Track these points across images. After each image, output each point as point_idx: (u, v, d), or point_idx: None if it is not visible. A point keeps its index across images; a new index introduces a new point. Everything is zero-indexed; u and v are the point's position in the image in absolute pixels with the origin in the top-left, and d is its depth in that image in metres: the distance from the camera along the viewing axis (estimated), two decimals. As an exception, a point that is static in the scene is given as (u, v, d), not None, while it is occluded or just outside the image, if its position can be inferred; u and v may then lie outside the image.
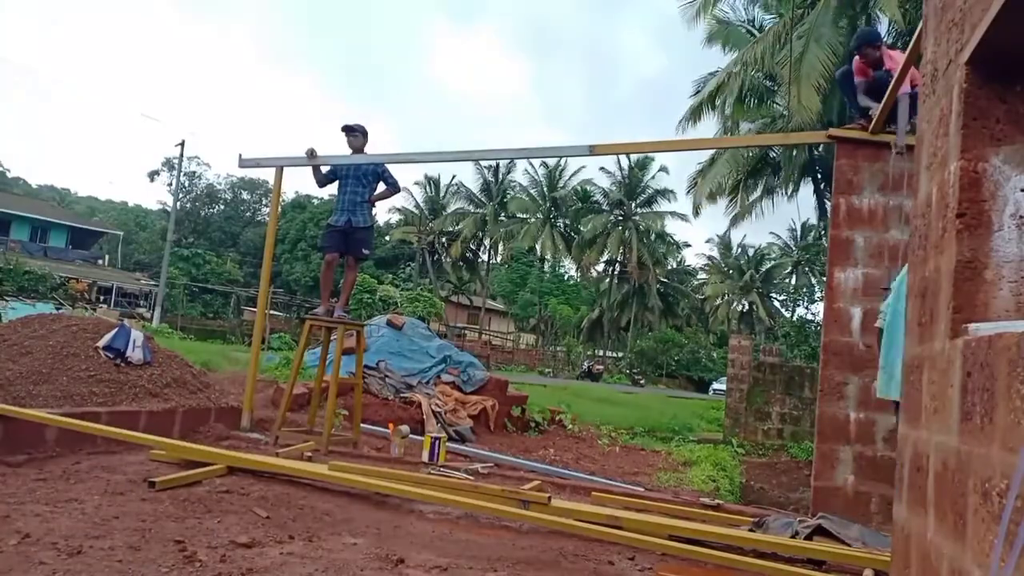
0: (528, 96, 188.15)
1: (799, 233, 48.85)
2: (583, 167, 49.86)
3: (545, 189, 49.40)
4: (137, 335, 6.39)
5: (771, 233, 57.87)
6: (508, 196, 50.16)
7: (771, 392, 12.48)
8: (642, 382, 38.85)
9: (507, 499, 4.42)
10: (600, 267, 51.82)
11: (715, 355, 45.07)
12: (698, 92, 18.84)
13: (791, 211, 72.83)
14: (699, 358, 45.00)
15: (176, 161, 39.97)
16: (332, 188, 7.16)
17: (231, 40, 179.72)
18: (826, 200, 17.40)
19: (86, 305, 25.75)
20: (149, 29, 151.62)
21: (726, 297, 56.22)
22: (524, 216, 50.10)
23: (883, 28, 15.43)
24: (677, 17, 18.71)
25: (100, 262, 44.94)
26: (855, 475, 5.50)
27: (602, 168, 48.27)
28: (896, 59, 5.78)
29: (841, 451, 5.53)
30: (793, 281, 51.57)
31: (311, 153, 6.89)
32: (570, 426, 10.71)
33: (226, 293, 45.23)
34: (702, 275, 60.37)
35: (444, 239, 51.46)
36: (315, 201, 53.23)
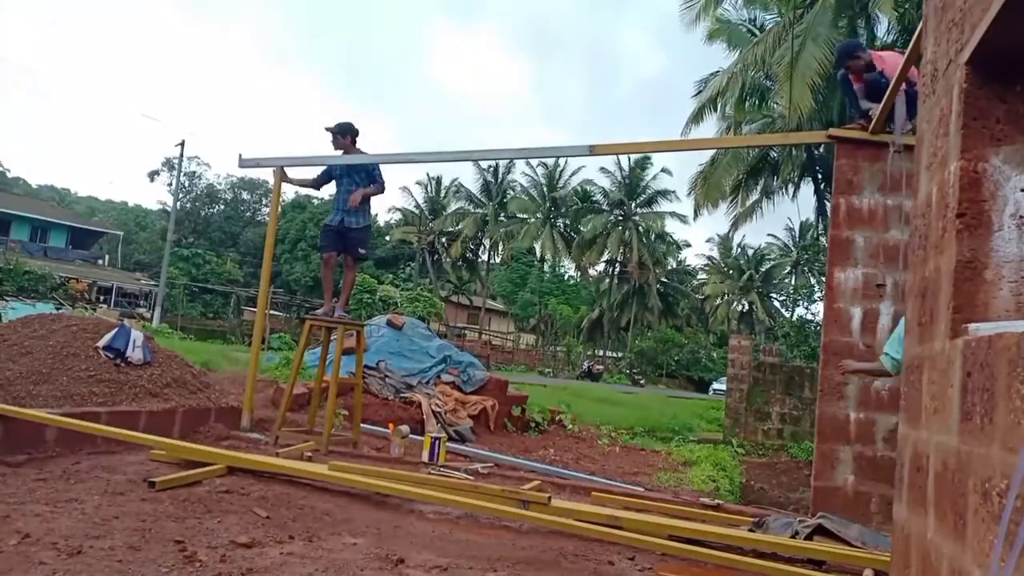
0: (528, 96, 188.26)
1: (798, 233, 48.87)
2: (583, 167, 49.89)
3: (545, 189, 49.42)
4: (137, 335, 6.39)
5: (769, 235, 57.90)
6: (508, 196, 50.17)
7: (771, 392, 12.49)
8: (642, 382, 38.85)
9: (507, 499, 4.42)
10: (600, 267, 51.85)
11: (715, 355, 45.07)
12: (699, 92, 18.84)
13: (791, 211, 72.90)
14: (699, 358, 45.01)
15: (176, 161, 40.00)
16: (332, 188, 7.16)
17: (231, 40, 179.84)
18: (826, 200, 17.39)
19: (86, 305, 25.75)
20: (149, 29, 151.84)
21: (726, 297, 56.23)
22: (524, 216, 50.11)
23: (883, 27, 15.45)
24: (677, 16, 18.68)
25: (100, 262, 44.94)
26: (855, 475, 5.49)
27: (602, 168, 48.38)
28: (886, 60, 5.78)
29: (841, 451, 5.53)
30: (793, 281, 51.56)
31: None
32: (570, 426, 10.71)
33: (226, 293, 45.23)
34: (702, 275, 60.41)
35: (444, 239, 51.47)
36: (315, 201, 53.25)
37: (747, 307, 55.34)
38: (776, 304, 54.46)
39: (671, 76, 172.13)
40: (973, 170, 1.70)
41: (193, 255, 46.35)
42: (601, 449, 9.56)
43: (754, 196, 21.48)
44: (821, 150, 16.99)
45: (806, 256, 43.70)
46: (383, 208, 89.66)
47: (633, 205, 47.45)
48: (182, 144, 36.74)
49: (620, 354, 48.56)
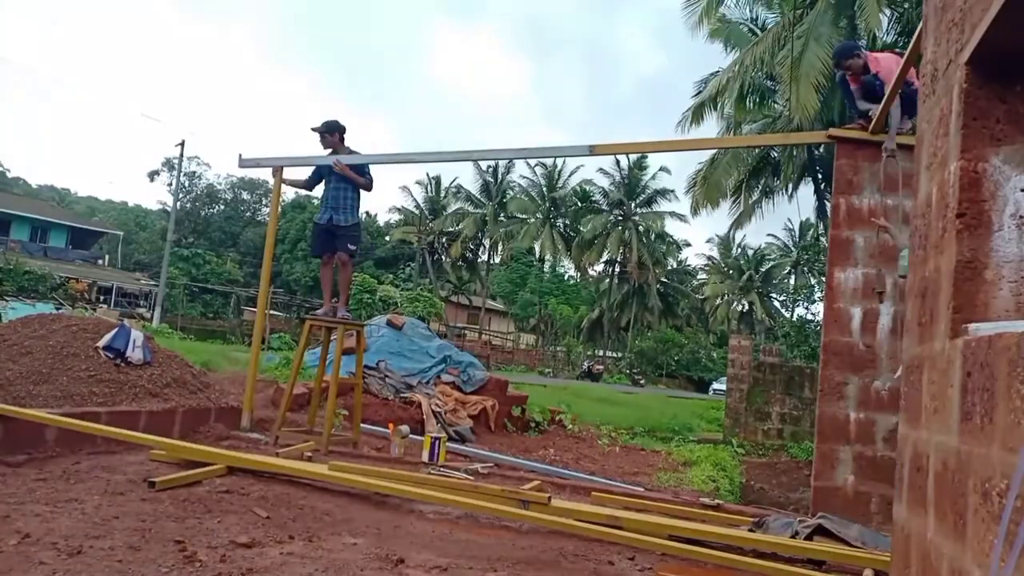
0: (528, 96, 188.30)
1: (798, 233, 48.88)
2: (582, 167, 49.86)
3: (544, 189, 49.42)
4: (137, 335, 6.39)
5: (769, 235, 57.90)
6: (508, 196, 50.17)
7: (771, 392, 12.49)
8: (642, 382, 38.85)
9: (507, 499, 4.42)
10: (600, 267, 51.86)
11: (715, 355, 45.07)
12: (699, 92, 18.83)
13: (791, 211, 72.86)
14: (699, 358, 45.01)
15: (176, 161, 39.99)
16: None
17: (231, 40, 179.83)
18: (826, 200, 17.39)
19: (86, 305, 25.75)
20: (149, 29, 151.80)
21: (726, 297, 56.23)
22: (524, 216, 50.11)
23: (883, 25, 15.43)
24: (677, 15, 18.65)
25: (100, 262, 44.94)
26: (855, 475, 5.49)
27: (601, 169, 48.33)
28: (881, 62, 5.78)
29: (841, 451, 5.53)
30: (793, 281, 51.57)
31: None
32: (570, 426, 10.71)
33: (226, 293, 45.23)
34: (702, 275, 60.42)
35: (444, 239, 51.47)
36: (315, 201, 52.98)
37: (747, 307, 55.34)
38: (776, 304, 54.48)
39: (671, 75, 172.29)
40: (973, 170, 1.70)
41: (193, 255, 46.36)
42: (601, 449, 9.56)
43: (754, 196, 21.46)
44: (821, 150, 16.98)
45: (806, 256, 43.71)
46: (383, 208, 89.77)
47: (633, 205, 47.44)
48: (182, 144, 36.80)
49: (620, 354, 48.56)
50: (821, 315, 7.55)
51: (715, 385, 37.21)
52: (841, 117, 13.28)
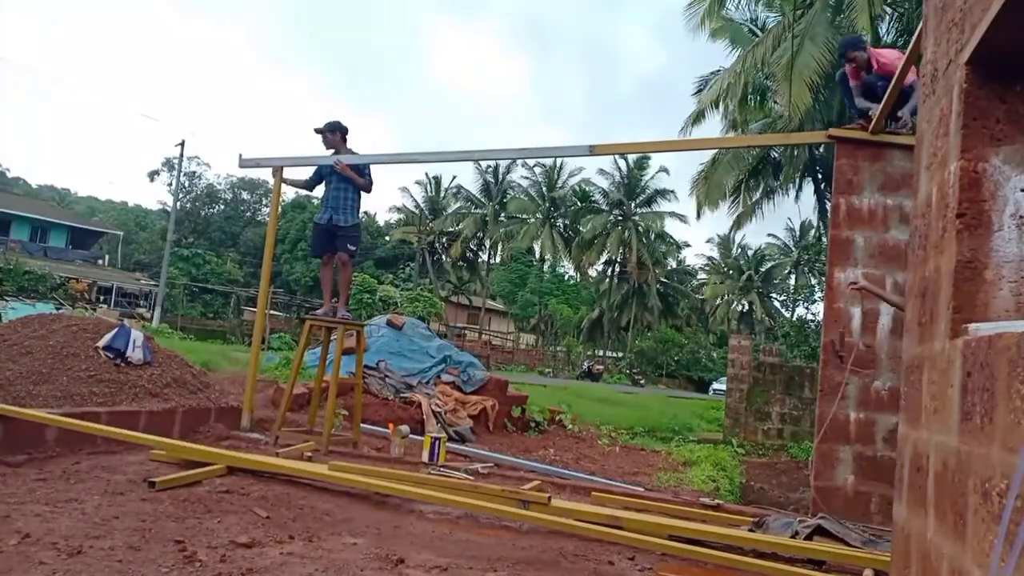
0: (528, 96, 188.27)
1: (798, 233, 48.90)
2: (582, 168, 49.76)
3: (544, 189, 49.42)
4: (137, 335, 6.39)
5: (769, 235, 57.87)
6: (508, 196, 50.18)
7: (771, 392, 12.49)
8: (642, 382, 38.85)
9: (507, 499, 4.42)
10: (599, 267, 51.86)
11: (715, 355, 45.08)
12: (700, 91, 18.84)
13: (791, 211, 72.92)
14: (699, 358, 45.01)
15: (176, 161, 40.00)
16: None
17: (231, 40, 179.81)
18: (826, 200, 17.39)
19: (86, 305, 25.75)
20: (149, 29, 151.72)
21: (726, 297, 56.23)
22: (524, 216, 50.12)
23: (883, 26, 15.44)
24: (678, 14, 18.65)
25: (100, 262, 44.94)
26: (855, 475, 5.49)
27: (600, 170, 48.18)
28: (885, 56, 5.80)
29: (841, 451, 5.53)
30: (793, 281, 51.58)
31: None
32: (570, 426, 10.71)
33: (226, 293, 45.24)
34: (702, 275, 60.41)
35: (444, 239, 51.47)
36: (315, 201, 53.03)
37: (747, 307, 55.35)
38: (776, 304, 54.47)
39: (672, 74, 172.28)
40: (973, 170, 1.70)
41: (193, 255, 46.36)
42: (601, 449, 9.56)
43: (755, 196, 21.45)
44: (821, 150, 16.98)
45: (806, 256, 43.73)
46: (383, 208, 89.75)
47: (632, 205, 47.44)
48: (182, 144, 36.80)
49: (620, 354, 48.56)
50: (821, 315, 7.55)
51: (715, 385, 37.21)
52: (840, 116, 13.28)
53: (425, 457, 6.16)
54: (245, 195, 58.42)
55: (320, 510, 4.15)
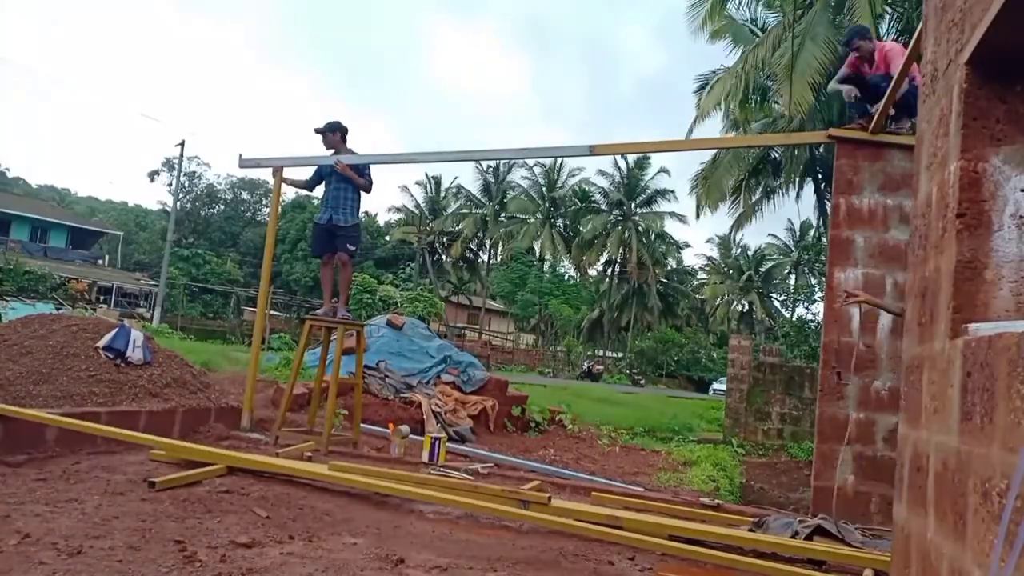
0: (528, 96, 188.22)
1: (798, 233, 48.92)
2: (581, 168, 49.73)
3: (544, 189, 49.43)
4: (137, 335, 6.39)
5: (769, 235, 57.87)
6: (508, 196, 50.18)
7: (771, 392, 12.49)
8: (642, 382, 38.85)
9: (507, 499, 4.42)
10: (599, 267, 51.87)
11: (715, 355, 45.08)
12: (701, 89, 18.87)
13: (791, 211, 72.87)
14: (699, 358, 45.01)
15: (176, 161, 39.99)
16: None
17: (231, 40, 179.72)
18: (826, 200, 17.39)
19: (86, 305, 25.74)
20: (149, 29, 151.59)
21: (726, 297, 56.23)
22: (524, 216, 50.12)
23: (883, 26, 15.44)
24: (679, 13, 18.68)
25: (100, 262, 44.94)
26: (855, 475, 5.49)
27: (600, 171, 48.18)
28: (889, 49, 5.80)
29: (841, 451, 5.53)
30: (793, 281, 51.59)
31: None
32: (570, 426, 10.71)
33: (226, 293, 45.24)
34: (702, 275, 60.43)
35: (444, 239, 51.47)
36: (315, 201, 53.01)
37: (747, 307, 55.35)
38: (776, 304, 54.48)
39: (672, 74, 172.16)
40: (973, 170, 1.70)
41: (193, 255, 46.37)
42: (601, 449, 9.56)
43: (755, 196, 21.47)
44: (821, 150, 16.99)
45: (806, 256, 43.75)
46: (383, 208, 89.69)
47: (632, 205, 47.45)
48: (182, 144, 36.79)
49: (620, 354, 48.56)
50: (821, 315, 7.55)
51: (715, 385, 37.20)
52: (841, 116, 13.28)
53: (425, 457, 6.16)
54: (245, 195, 58.43)
55: (320, 510, 4.15)
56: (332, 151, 6.97)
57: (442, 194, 52.27)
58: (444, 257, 52.35)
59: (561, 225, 49.87)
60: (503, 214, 50.20)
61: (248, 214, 58.56)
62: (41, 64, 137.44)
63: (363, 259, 49.50)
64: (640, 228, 47.07)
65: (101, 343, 6.11)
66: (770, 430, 12.41)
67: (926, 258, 1.99)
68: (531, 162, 47.98)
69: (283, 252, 49.84)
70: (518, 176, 50.16)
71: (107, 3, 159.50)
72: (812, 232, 41.76)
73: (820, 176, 18.42)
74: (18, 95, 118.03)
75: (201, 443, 5.55)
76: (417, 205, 51.59)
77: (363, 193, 6.96)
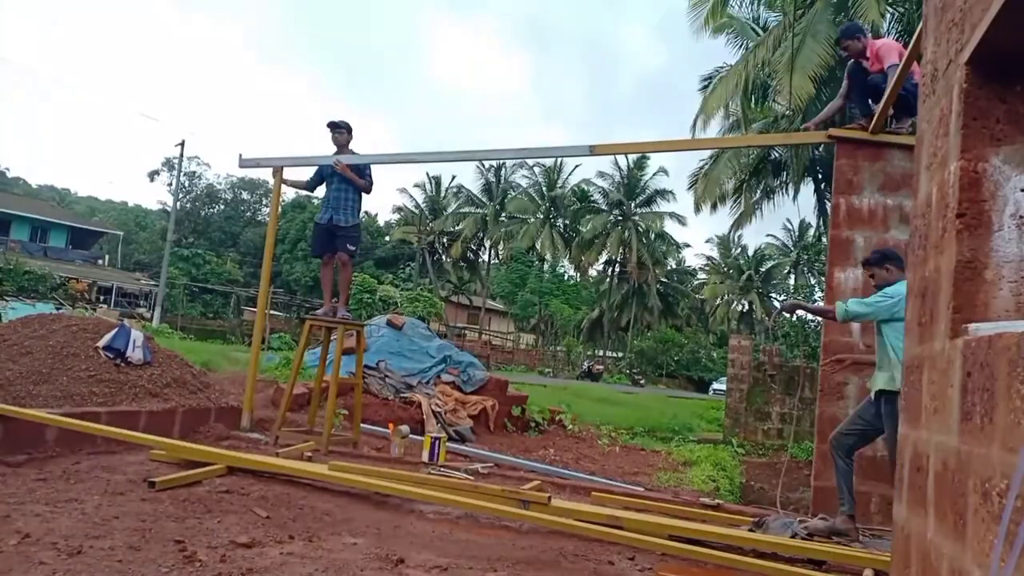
0: (528, 95, 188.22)
1: (798, 233, 48.90)
2: (579, 166, 49.72)
3: (544, 189, 49.43)
4: (137, 335, 6.39)
5: (769, 235, 57.86)
6: (508, 196, 50.17)
7: (771, 392, 12.48)
8: (642, 382, 38.84)
9: (507, 499, 4.42)
10: (599, 267, 51.86)
11: (715, 355, 45.06)
12: (705, 87, 18.88)
13: (791, 211, 72.88)
14: (699, 358, 45.00)
15: (176, 161, 39.98)
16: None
17: (231, 40, 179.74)
18: (826, 200, 17.40)
19: (86, 305, 25.73)
20: (148, 29, 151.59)
21: (726, 297, 56.23)
22: (524, 216, 50.12)
23: (884, 26, 15.44)
24: (679, 12, 18.73)
25: (100, 262, 44.93)
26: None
27: (600, 172, 48.18)
28: (880, 45, 5.79)
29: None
30: (793, 281, 51.56)
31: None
32: (570, 426, 10.71)
33: (226, 293, 45.23)
34: (702, 275, 60.41)
35: (444, 239, 51.46)
36: (315, 201, 53.00)
37: (747, 307, 55.34)
38: (776, 304, 54.45)
39: (672, 74, 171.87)
40: (973, 170, 1.70)
41: (193, 255, 46.35)
42: (601, 449, 9.56)
43: (755, 196, 21.46)
44: (821, 150, 16.99)
45: (806, 256, 43.72)
46: (383, 208, 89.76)
47: (632, 205, 47.44)
48: (182, 144, 36.78)
49: (620, 354, 48.55)
50: (821, 315, 7.52)
51: (715, 385, 37.20)
52: (841, 116, 13.28)
53: (425, 457, 6.16)
54: (245, 195, 58.42)
55: (320, 510, 4.15)
56: (339, 149, 6.98)
57: (442, 194, 52.26)
58: (444, 257, 52.34)
59: (561, 225, 49.87)
60: (503, 214, 50.20)
61: (248, 214, 58.54)
62: (41, 64, 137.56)
63: (363, 259, 49.49)
64: (640, 228, 47.06)
65: (101, 343, 6.11)
66: (770, 430, 12.41)
67: (926, 258, 1.99)
68: (531, 162, 48.02)
69: (283, 252, 49.83)
70: (518, 176, 50.22)
71: (107, 3, 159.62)
72: (812, 232, 41.75)
73: (820, 176, 18.42)
74: (18, 95, 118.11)
75: (201, 443, 5.55)
76: (417, 205, 51.58)
77: (364, 193, 6.98)
